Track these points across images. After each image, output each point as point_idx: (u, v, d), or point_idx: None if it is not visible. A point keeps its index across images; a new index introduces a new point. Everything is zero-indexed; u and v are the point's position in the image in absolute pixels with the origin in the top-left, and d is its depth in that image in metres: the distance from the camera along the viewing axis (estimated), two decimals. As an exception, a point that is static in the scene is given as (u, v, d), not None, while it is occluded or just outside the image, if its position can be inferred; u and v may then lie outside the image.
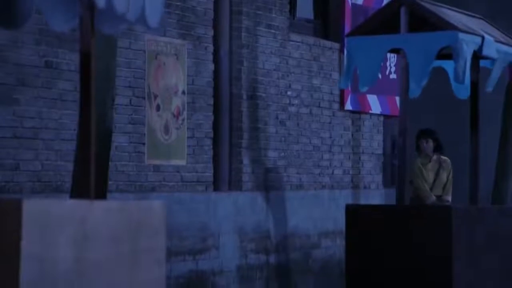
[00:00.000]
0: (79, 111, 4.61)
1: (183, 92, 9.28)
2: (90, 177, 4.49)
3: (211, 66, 9.62)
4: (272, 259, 10.08)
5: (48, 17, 4.53)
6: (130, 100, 8.66)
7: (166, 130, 9.05)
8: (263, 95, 10.26)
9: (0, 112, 7.42)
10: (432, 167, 11.07)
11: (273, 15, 10.42)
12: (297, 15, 11.12)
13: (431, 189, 11.02)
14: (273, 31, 10.41)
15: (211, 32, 9.61)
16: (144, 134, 8.77)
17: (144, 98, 8.79)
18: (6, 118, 7.47)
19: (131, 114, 8.66)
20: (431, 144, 11.09)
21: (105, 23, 4.68)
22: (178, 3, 9.14)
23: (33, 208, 3.79)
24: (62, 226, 3.92)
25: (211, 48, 9.62)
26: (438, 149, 11.16)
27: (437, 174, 11.03)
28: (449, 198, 11.08)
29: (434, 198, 10.94)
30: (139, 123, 8.71)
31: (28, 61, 7.64)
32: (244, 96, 10.01)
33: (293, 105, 10.71)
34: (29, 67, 7.64)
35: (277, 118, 10.42)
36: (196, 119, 9.39)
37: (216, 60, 9.73)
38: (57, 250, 3.87)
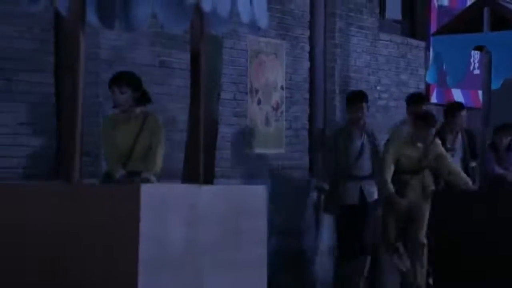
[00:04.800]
0: (189, 105, 4.65)
1: (282, 87, 9.29)
2: (199, 164, 4.52)
3: (307, 64, 9.61)
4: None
5: (163, 21, 4.58)
6: (234, 95, 8.70)
7: (266, 121, 9.07)
8: (355, 89, 10.20)
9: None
10: (131, 128, 6.56)
11: (364, 17, 10.35)
12: (386, 16, 11.02)
13: (127, 159, 6.52)
14: (364, 31, 10.35)
15: (307, 33, 9.60)
16: (247, 125, 8.81)
17: (246, 93, 8.83)
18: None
19: (235, 108, 8.70)
20: (126, 91, 6.52)
21: (213, 25, 4.71)
22: (278, 7, 9.15)
23: (150, 193, 3.84)
24: (175, 209, 3.96)
25: (307, 47, 9.60)
26: (143, 99, 6.63)
27: (136, 139, 6.52)
28: (151, 176, 6.44)
29: (123, 172, 6.45)
30: (242, 115, 8.75)
31: (145, 61, 7.74)
32: (337, 91, 9.97)
33: (382, 99, 10.62)
34: (146, 66, 7.74)
35: (367, 111, 10.34)
36: (294, 112, 9.39)
37: (312, 58, 9.71)
38: (171, 231, 3.91)
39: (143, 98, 6.65)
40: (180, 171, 7.36)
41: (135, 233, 3.74)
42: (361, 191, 8.20)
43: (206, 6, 4.29)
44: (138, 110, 6.63)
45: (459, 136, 9.23)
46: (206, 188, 4.27)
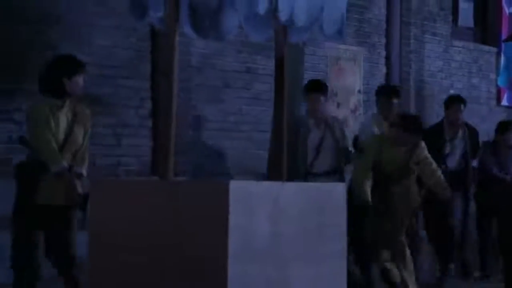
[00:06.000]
0: (274, 108, 4.68)
1: (359, 91, 9.27)
2: (282, 162, 4.54)
3: (384, 69, 9.57)
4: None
5: (248, 31, 4.63)
6: (315, 98, 8.69)
7: (345, 123, 9.06)
8: (429, 93, 10.12)
9: (209, 109, 7.62)
10: (64, 116, 5.39)
11: (438, 24, 10.26)
12: (459, 24, 10.91)
13: (60, 151, 5.30)
14: (437, 38, 10.26)
15: (383, 40, 9.56)
16: (327, 127, 8.79)
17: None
18: (214, 114, 7.67)
19: (316, 110, 8.69)
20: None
21: (295, 34, 4.74)
22: (356, 16, 9.14)
23: (237, 188, 3.87)
24: (261, 204, 3.99)
25: (383, 53, 9.56)
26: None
27: (70, 130, 5.38)
28: (84, 171, 5.39)
29: (64, 166, 5.26)
30: (322, 117, 8.75)
31: (232, 67, 7.81)
32: (412, 95, 9.90)
33: (455, 101, 10.50)
34: (232, 72, 7.81)
35: (440, 113, 10.24)
36: (370, 114, 9.35)
37: (388, 63, 9.67)
38: (256, 224, 3.93)
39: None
40: (264, 169, 7.41)
41: (225, 226, 3.78)
42: None
43: (283, 16, 4.33)
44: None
45: (460, 131, 8.03)
46: (289, 185, 4.29)
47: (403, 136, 6.61)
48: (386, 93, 7.29)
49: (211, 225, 3.82)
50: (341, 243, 4.35)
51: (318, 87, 6.89)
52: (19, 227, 5.23)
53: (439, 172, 6.95)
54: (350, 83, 9.15)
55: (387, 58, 9.66)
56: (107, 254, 4.01)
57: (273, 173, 4.59)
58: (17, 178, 5.30)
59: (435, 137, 7.76)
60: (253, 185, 4.13)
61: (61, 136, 5.33)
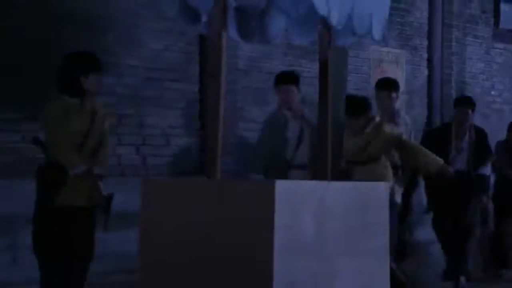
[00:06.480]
0: (318, 109, 4.67)
1: (402, 93, 9.21)
2: (327, 161, 4.54)
3: (425, 71, 9.51)
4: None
5: (293, 34, 4.62)
6: (358, 100, 8.68)
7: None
8: (470, 94, 10.03)
9: (254, 111, 7.63)
10: (83, 117, 5.06)
11: (479, 27, 10.17)
12: (500, 26, 10.80)
13: (78, 152, 5.02)
14: (479, 40, 10.16)
15: (425, 43, 9.50)
16: (370, 127, 8.77)
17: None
18: (258, 115, 7.68)
19: (359, 111, 8.67)
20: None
21: (339, 37, 4.73)
22: (398, 19, 9.09)
23: (283, 188, 3.87)
24: (306, 202, 3.99)
25: (425, 56, 9.50)
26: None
27: (88, 130, 5.03)
28: (104, 171, 5.12)
29: (83, 168, 4.95)
30: (365, 118, 8.72)
31: (278, 70, 7.79)
32: (454, 96, 9.82)
33: (496, 102, 10.41)
34: (278, 74, 7.81)
35: (482, 113, 10.14)
36: (412, 115, 9.30)
37: (430, 65, 9.61)
38: (302, 222, 3.93)
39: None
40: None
41: (271, 224, 3.78)
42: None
43: (333, 20, 4.32)
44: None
45: (467, 134, 7.51)
46: (333, 184, 4.28)
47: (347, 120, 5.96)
48: (385, 87, 6.82)
49: (257, 224, 3.82)
50: (384, 240, 4.33)
51: (289, 78, 6.31)
52: (40, 231, 4.87)
53: (424, 150, 6.18)
54: (392, 85, 9.11)
55: (429, 61, 9.59)
56: (157, 252, 4.03)
57: (318, 172, 4.60)
58: (37, 181, 4.93)
59: (441, 136, 7.42)
60: (299, 184, 4.13)
61: (79, 137, 4.96)
